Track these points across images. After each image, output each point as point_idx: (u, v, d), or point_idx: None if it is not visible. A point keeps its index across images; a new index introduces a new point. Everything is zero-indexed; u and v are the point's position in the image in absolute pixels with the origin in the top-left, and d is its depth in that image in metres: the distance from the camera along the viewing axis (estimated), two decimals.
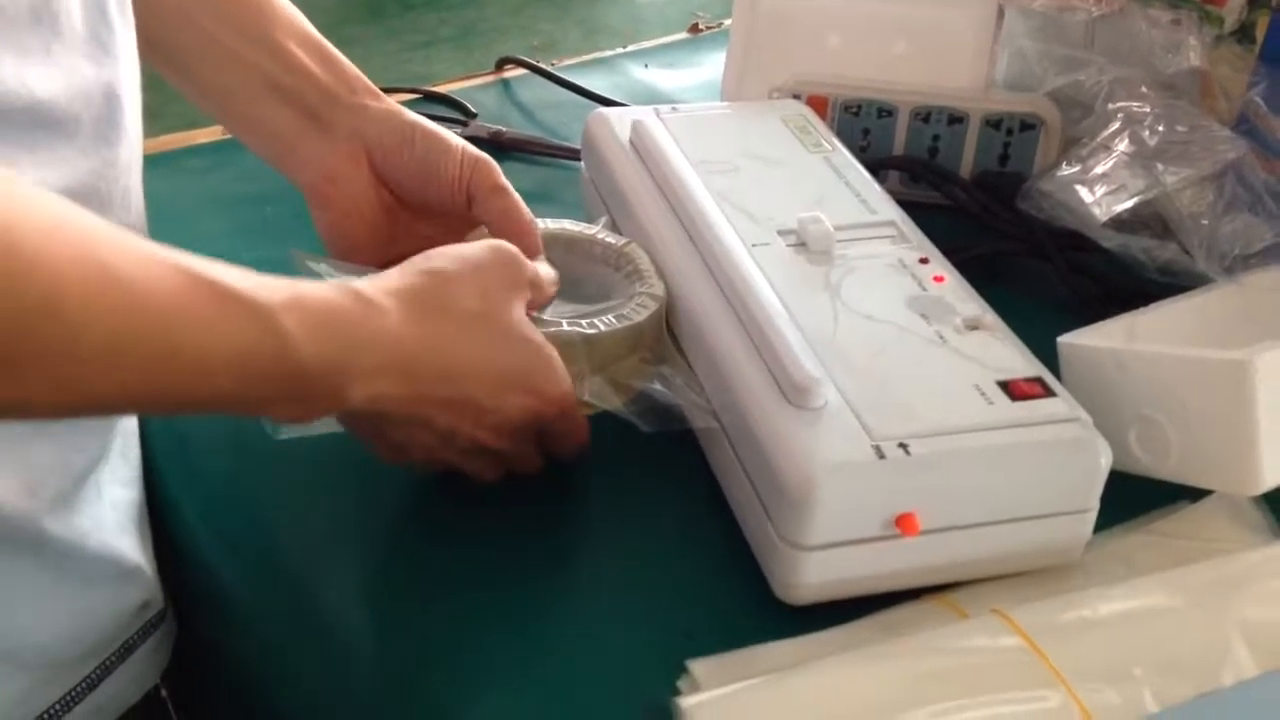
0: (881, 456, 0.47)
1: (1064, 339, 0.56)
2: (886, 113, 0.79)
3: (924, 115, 0.79)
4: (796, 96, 0.78)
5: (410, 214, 0.60)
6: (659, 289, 0.58)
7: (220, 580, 0.54)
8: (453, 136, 0.59)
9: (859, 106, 0.79)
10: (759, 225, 0.60)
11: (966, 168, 0.79)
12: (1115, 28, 0.74)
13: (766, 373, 0.51)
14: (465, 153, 0.58)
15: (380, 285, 0.46)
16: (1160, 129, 0.63)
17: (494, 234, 0.58)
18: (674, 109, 0.71)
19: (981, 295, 0.57)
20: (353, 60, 0.61)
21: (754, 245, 0.59)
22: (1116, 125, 0.65)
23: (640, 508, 0.55)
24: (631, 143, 0.68)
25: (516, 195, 0.58)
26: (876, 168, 0.77)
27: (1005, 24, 0.81)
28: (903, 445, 0.48)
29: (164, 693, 0.57)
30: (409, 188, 0.59)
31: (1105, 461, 0.49)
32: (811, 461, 0.47)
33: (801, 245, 0.59)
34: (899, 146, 0.80)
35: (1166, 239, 0.63)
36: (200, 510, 0.57)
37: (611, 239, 0.61)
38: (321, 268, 0.53)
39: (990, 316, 0.55)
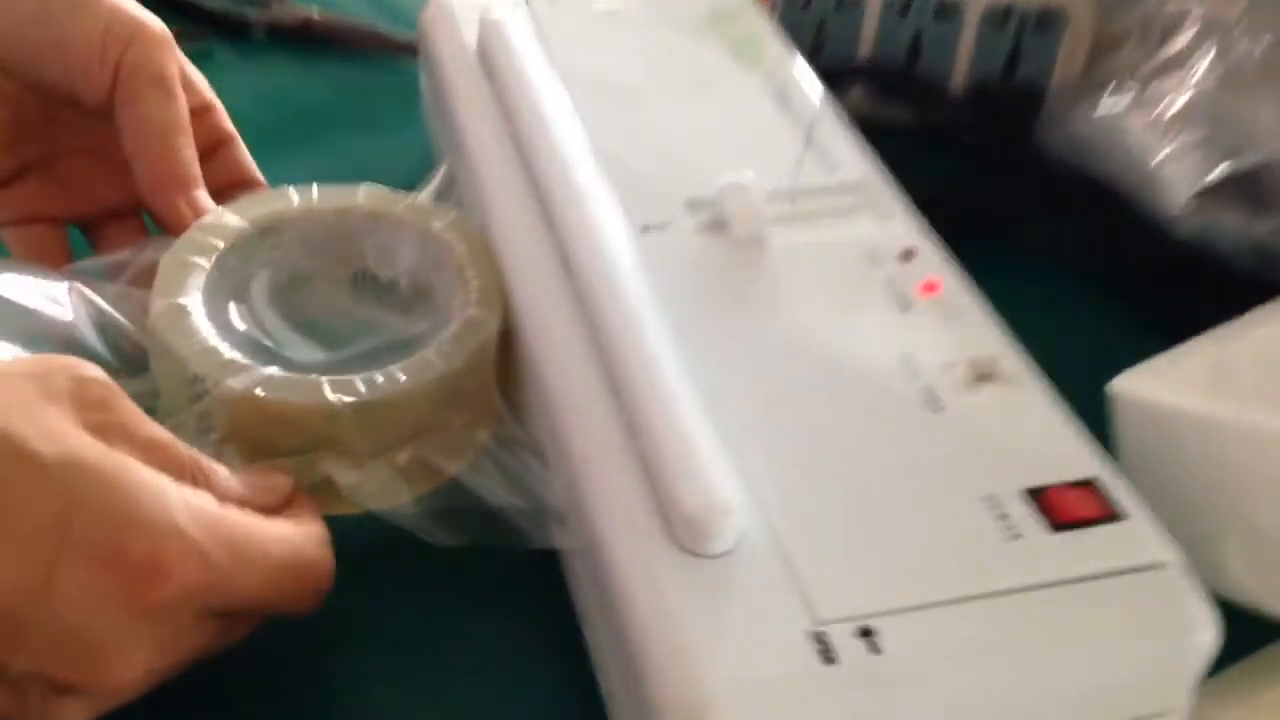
0: (830, 659, 0.27)
1: (1122, 388, 0.36)
2: None
3: (902, 4, 0.57)
4: None
5: (31, 94, 0.39)
6: (493, 306, 0.37)
7: None
8: None
9: None
10: (658, 194, 0.39)
11: (959, 77, 0.57)
12: None
13: (645, 482, 0.30)
14: (116, 14, 0.37)
15: None
16: (1266, 38, 0.42)
17: (129, 150, 0.38)
18: None
19: (974, 268, 0.37)
20: None
21: (645, 229, 0.38)
22: (1193, 31, 0.44)
23: (471, 662, 0.35)
24: (479, 49, 0.46)
25: (183, 101, 0.38)
26: (833, 79, 0.55)
27: None
28: (866, 633, 0.27)
29: None
30: (16, 56, 0.38)
31: (1209, 638, 0.29)
32: (703, 674, 0.26)
33: (718, 227, 0.38)
34: (866, 47, 0.57)
35: (1262, 211, 0.42)
36: None
37: (430, 218, 0.39)
38: None
39: (1010, 356, 0.35)
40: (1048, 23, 0.56)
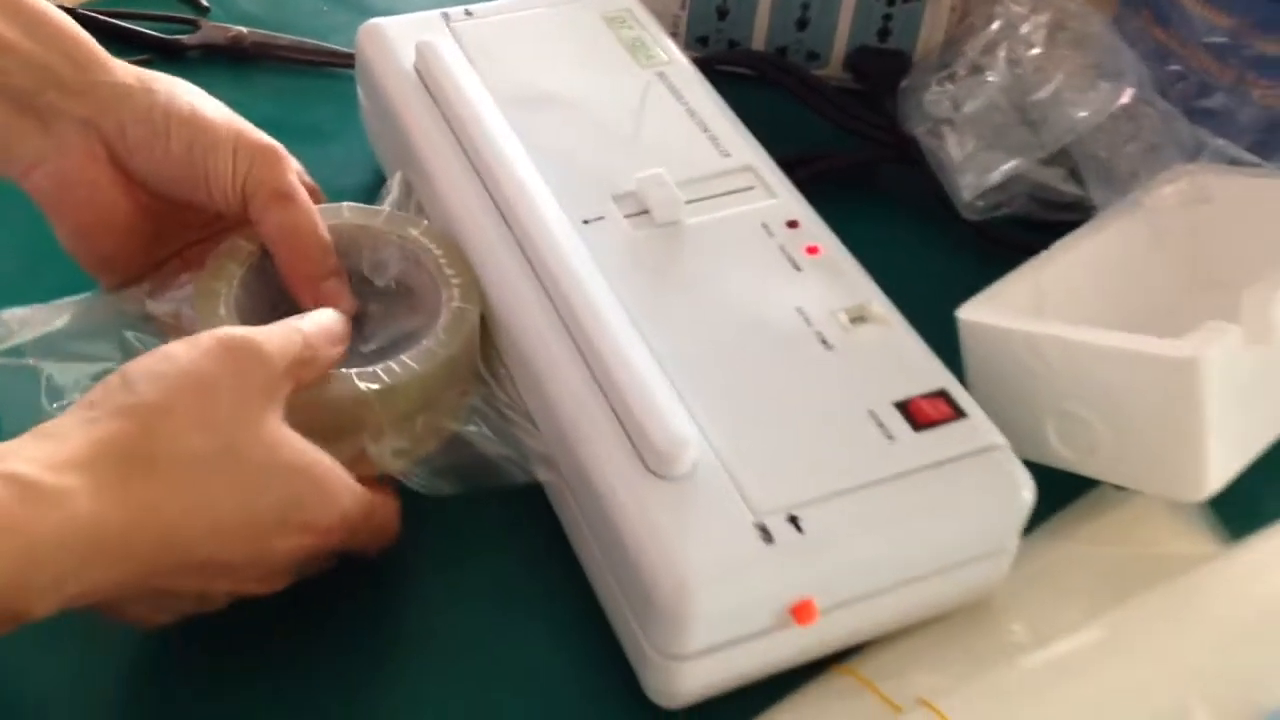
0: (769, 540, 0.38)
1: (966, 315, 0.47)
2: None
3: None
4: None
5: (175, 209, 0.47)
6: (473, 298, 0.46)
7: None
8: (220, 118, 0.45)
9: None
10: (589, 189, 0.49)
11: (840, 42, 0.67)
12: None
13: (616, 425, 0.41)
14: (240, 144, 0.44)
15: (59, 454, 0.33)
16: (1041, 38, 0.52)
17: (272, 250, 0.45)
18: (468, 12, 0.57)
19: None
20: None
21: (585, 221, 0.47)
22: (995, 27, 0.54)
23: (488, 587, 0.45)
24: (417, 69, 0.54)
25: (305, 202, 0.45)
26: (721, 63, 0.65)
27: None
28: (793, 519, 0.38)
29: None
30: (167, 186, 0.45)
31: (1029, 496, 0.41)
32: (682, 562, 0.37)
33: (643, 215, 0.48)
34: (763, 16, 0.67)
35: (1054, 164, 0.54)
36: None
37: (407, 227, 0.48)
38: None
39: (877, 300, 0.45)
40: None
